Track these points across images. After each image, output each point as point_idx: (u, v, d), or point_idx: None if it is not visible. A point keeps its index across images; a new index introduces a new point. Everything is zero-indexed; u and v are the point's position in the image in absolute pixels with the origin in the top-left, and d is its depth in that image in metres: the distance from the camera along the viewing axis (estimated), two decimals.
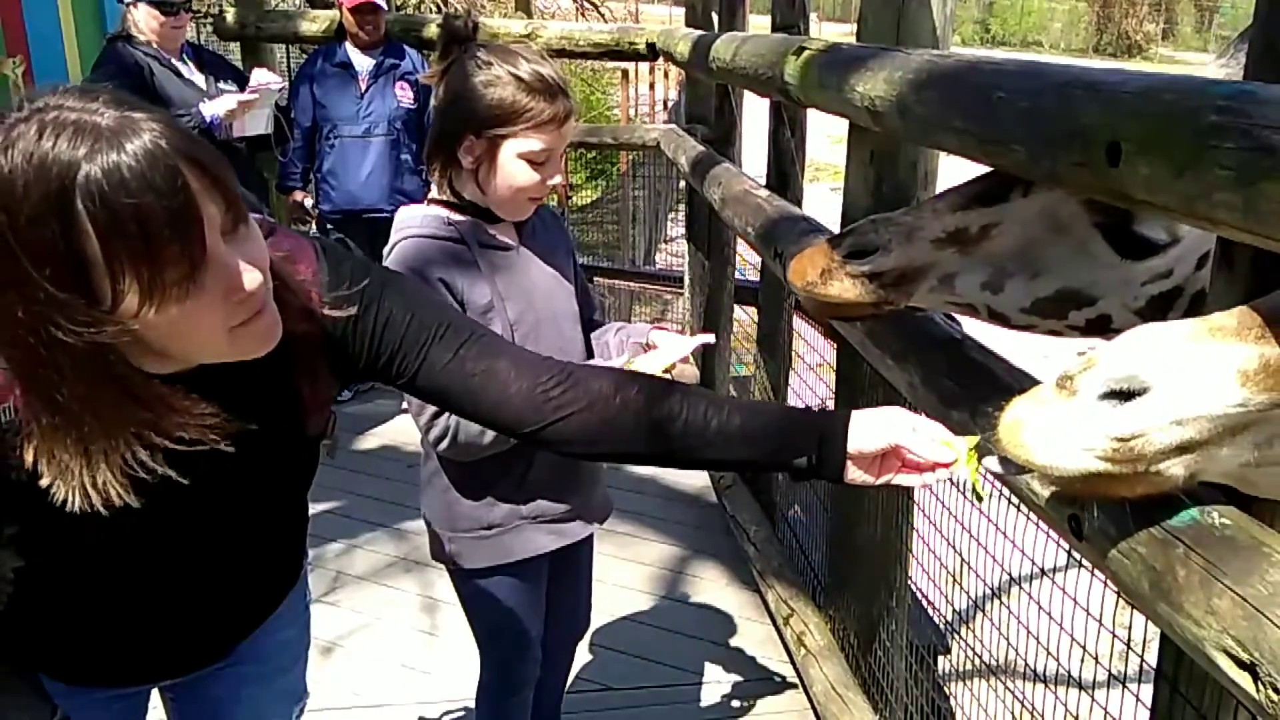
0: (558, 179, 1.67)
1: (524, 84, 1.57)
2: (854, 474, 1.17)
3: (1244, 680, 0.77)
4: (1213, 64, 1.33)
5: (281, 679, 1.45)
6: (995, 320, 1.35)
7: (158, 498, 1.03)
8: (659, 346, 1.73)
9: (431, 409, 1.63)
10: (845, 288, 1.32)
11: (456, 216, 1.68)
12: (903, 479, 1.18)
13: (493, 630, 1.92)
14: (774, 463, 1.22)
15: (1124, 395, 0.80)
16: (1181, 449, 0.81)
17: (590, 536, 1.98)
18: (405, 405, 4.36)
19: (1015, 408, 0.87)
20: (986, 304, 1.31)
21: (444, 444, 1.66)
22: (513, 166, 1.61)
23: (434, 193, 1.71)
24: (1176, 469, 0.82)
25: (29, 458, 0.98)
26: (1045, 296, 1.28)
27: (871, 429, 1.15)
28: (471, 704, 2.04)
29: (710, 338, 1.81)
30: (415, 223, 1.68)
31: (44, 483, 0.98)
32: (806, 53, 2.03)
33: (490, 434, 1.64)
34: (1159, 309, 1.27)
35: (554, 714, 2.22)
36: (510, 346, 1.24)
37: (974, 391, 1.36)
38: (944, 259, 1.30)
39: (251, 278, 0.95)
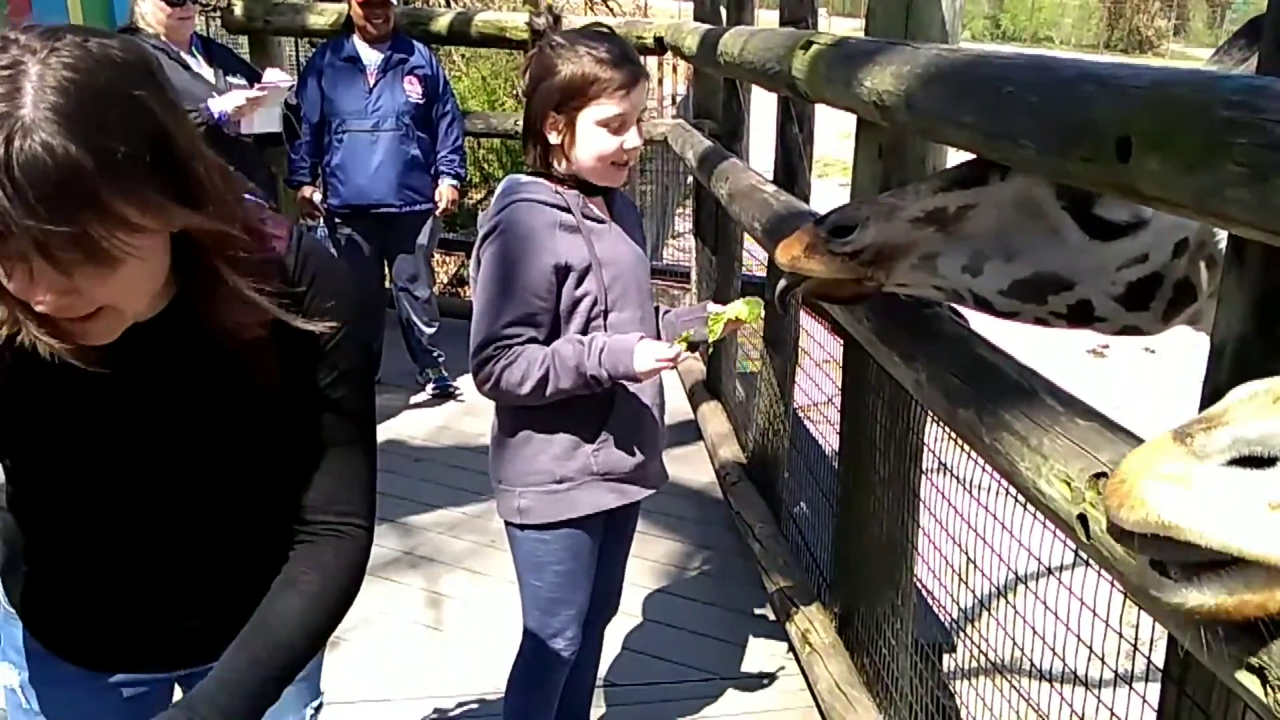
0: (638, 142, 1.79)
1: (593, 57, 1.73)
2: None
3: (1253, 683, 0.76)
4: (1205, 64, 1.32)
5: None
6: (980, 307, 1.37)
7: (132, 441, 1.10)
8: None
9: (486, 353, 1.75)
10: (826, 264, 1.37)
11: (561, 188, 1.81)
12: None
13: (541, 594, 1.93)
14: None
15: (1253, 462, 0.68)
16: None
17: (637, 515, 2.06)
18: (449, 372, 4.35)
19: (1138, 477, 0.69)
20: (969, 288, 1.34)
21: (486, 385, 1.79)
22: (592, 133, 1.75)
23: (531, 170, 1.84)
24: None
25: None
26: (1022, 279, 1.30)
27: None
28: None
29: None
30: (528, 189, 1.81)
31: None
32: (815, 47, 2.02)
33: (528, 384, 1.76)
34: (1140, 297, 1.28)
35: (584, 712, 2.22)
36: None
37: (981, 390, 1.35)
38: (922, 238, 1.33)
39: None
